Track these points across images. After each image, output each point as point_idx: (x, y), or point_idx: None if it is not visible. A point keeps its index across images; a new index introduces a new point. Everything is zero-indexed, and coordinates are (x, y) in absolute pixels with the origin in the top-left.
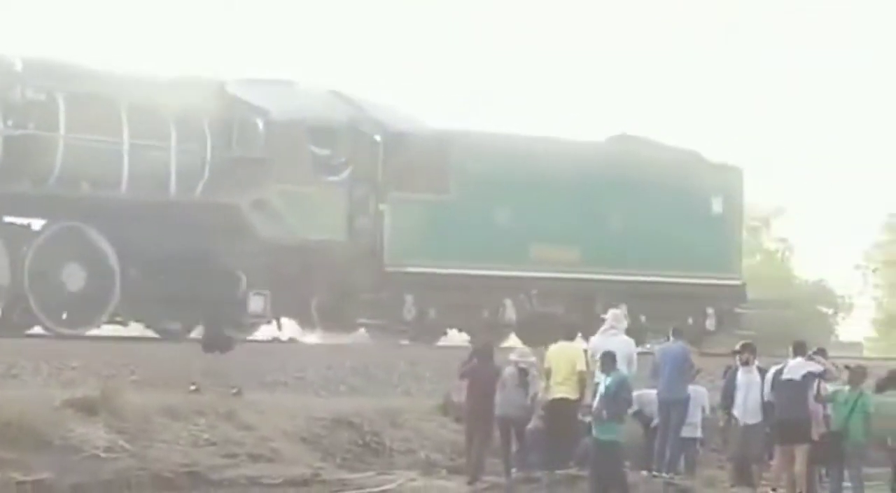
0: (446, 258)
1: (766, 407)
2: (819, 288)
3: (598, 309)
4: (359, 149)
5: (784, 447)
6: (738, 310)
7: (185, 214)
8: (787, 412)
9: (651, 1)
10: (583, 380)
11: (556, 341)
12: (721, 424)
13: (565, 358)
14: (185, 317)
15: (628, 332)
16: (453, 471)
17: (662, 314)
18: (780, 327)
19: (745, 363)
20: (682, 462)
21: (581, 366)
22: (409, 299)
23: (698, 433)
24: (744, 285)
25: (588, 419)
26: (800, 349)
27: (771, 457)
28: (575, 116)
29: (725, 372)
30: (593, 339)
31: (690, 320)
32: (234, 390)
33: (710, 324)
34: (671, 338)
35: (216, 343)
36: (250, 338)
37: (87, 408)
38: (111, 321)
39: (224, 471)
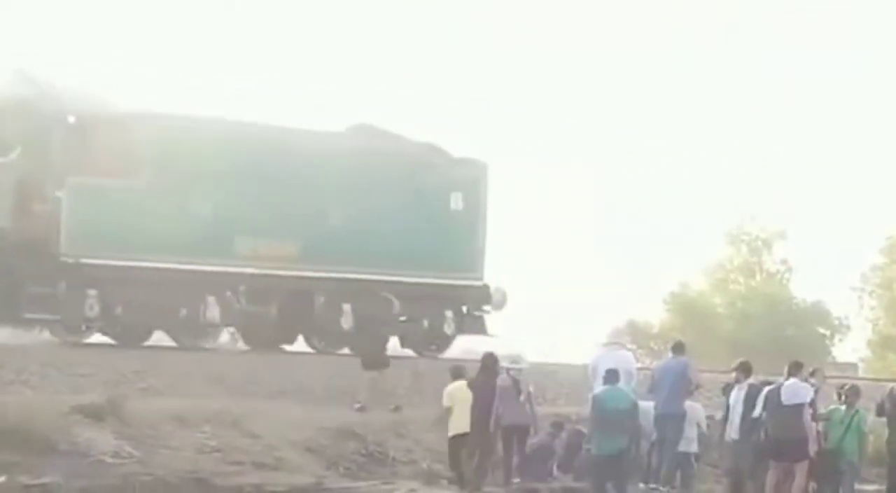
0: (134, 250)
1: (754, 424)
2: (817, 309)
3: (317, 308)
4: (33, 130)
5: (780, 464)
6: (478, 313)
7: None
8: (785, 431)
9: None
10: None
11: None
12: (715, 438)
13: (465, 396)
14: None
15: (349, 337)
16: (454, 481)
17: (394, 316)
18: None
19: (738, 381)
20: (678, 477)
21: None
22: (91, 293)
23: (694, 448)
24: (486, 286)
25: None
26: (795, 370)
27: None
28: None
29: (724, 389)
30: (594, 352)
31: (426, 323)
32: (393, 407)
33: (448, 328)
34: (671, 354)
35: (378, 362)
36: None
37: (95, 414)
38: None
39: (229, 478)
